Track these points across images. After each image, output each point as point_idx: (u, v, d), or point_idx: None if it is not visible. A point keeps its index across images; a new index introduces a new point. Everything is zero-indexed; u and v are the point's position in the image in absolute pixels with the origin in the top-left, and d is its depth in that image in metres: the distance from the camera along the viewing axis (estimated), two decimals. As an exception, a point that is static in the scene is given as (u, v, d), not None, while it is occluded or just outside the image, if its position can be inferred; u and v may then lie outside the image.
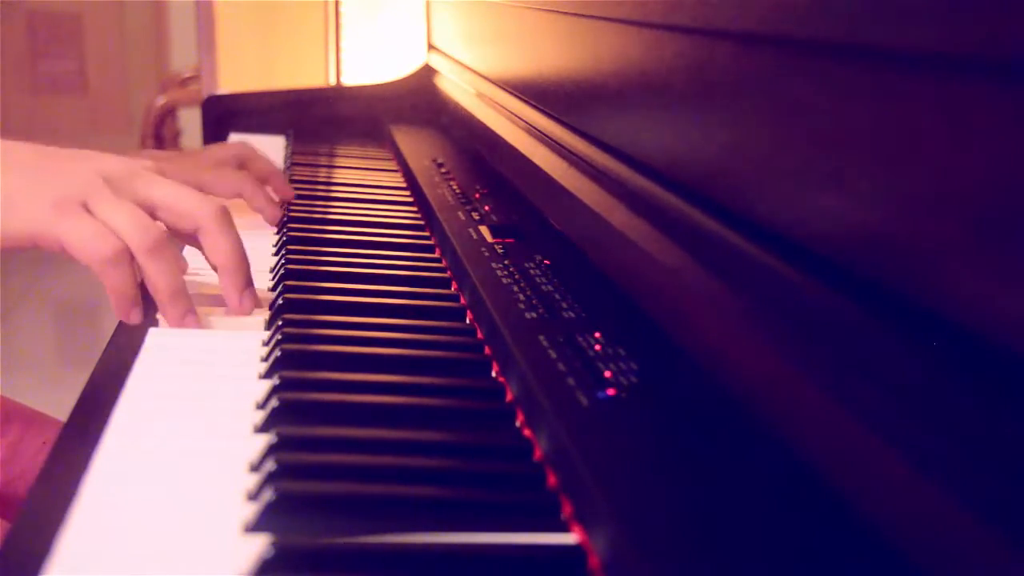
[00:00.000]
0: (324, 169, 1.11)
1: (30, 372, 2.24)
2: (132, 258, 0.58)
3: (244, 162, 0.89)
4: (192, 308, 0.60)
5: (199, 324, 0.60)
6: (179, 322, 0.59)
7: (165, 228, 0.60)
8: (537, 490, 0.43)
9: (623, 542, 0.36)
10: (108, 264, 0.57)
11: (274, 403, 0.48)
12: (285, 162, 1.11)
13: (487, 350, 0.58)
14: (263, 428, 0.48)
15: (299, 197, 0.93)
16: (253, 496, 0.41)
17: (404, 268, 0.74)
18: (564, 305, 0.59)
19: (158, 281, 0.58)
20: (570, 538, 0.40)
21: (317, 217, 0.88)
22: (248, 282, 0.63)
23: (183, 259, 0.66)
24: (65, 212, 0.57)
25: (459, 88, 1.19)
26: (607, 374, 0.49)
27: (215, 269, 0.62)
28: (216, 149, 0.91)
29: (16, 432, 0.77)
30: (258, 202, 0.85)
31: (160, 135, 2.90)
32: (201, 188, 0.84)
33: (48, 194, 0.57)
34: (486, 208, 0.83)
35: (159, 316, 0.60)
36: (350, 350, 0.57)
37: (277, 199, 0.88)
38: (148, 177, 0.61)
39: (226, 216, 0.62)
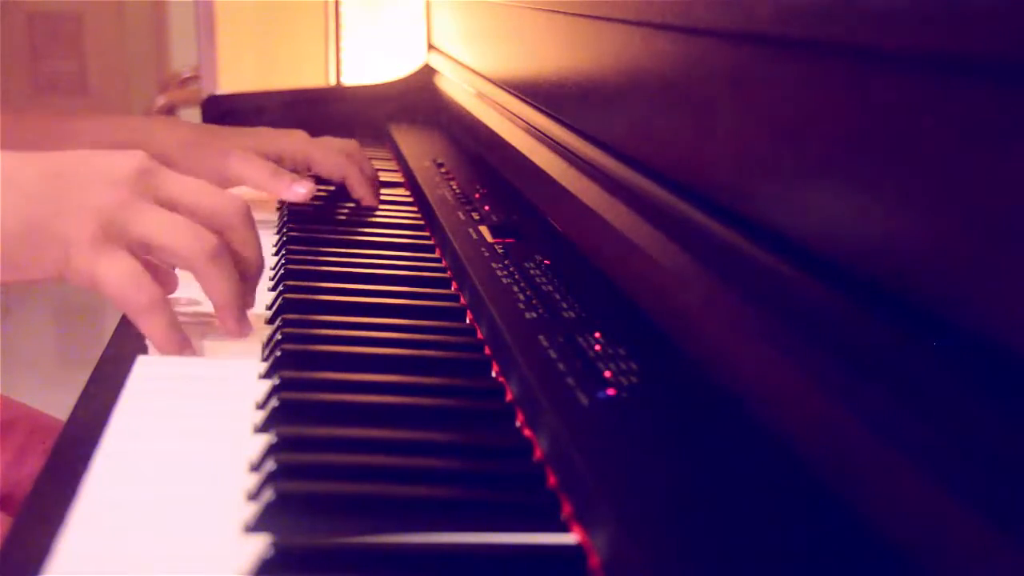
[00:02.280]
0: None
1: (30, 372, 2.24)
2: (167, 302, 0.55)
3: (350, 156, 0.93)
4: (245, 312, 0.58)
5: (252, 330, 0.59)
6: (238, 330, 0.58)
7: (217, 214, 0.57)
8: (537, 490, 0.43)
9: (623, 542, 0.36)
10: (142, 312, 0.54)
11: (274, 403, 0.48)
12: (285, 162, 1.10)
13: (487, 350, 0.58)
14: (263, 428, 0.48)
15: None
16: (253, 496, 0.41)
17: (404, 268, 0.74)
18: (564, 305, 0.59)
19: (219, 288, 0.56)
20: (570, 538, 0.40)
21: (317, 217, 0.88)
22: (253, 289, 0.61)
23: (176, 277, 0.63)
24: (102, 248, 0.53)
25: (459, 88, 1.19)
26: (607, 374, 0.49)
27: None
28: (329, 139, 0.95)
29: (21, 434, 0.77)
30: (361, 191, 0.90)
31: (160, 135, 2.88)
32: (309, 163, 0.90)
33: (75, 224, 0.53)
34: (486, 208, 0.83)
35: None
36: (350, 350, 0.57)
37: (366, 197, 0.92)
38: (164, 175, 0.57)
39: (250, 215, 0.60)
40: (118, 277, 0.53)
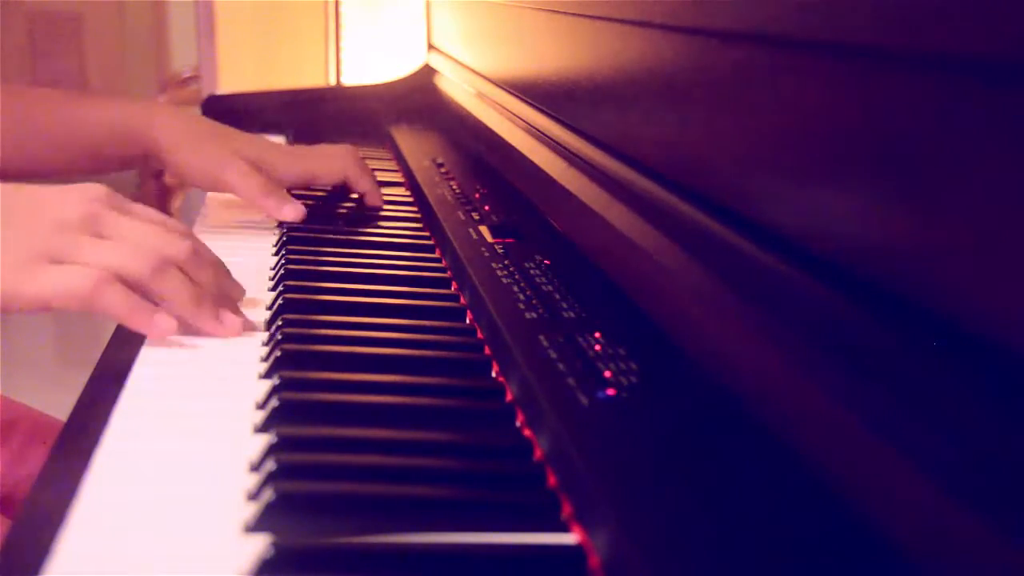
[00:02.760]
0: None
1: (30, 372, 2.24)
2: (113, 278, 0.54)
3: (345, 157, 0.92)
4: (217, 311, 0.58)
5: (237, 331, 0.58)
6: (216, 330, 0.58)
7: (157, 249, 0.57)
8: (537, 490, 0.43)
9: (623, 542, 0.36)
10: (93, 298, 0.54)
11: (274, 403, 0.48)
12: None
13: (487, 350, 0.58)
14: (263, 428, 0.48)
15: (299, 196, 0.93)
16: (253, 496, 0.41)
17: (404, 268, 0.74)
18: (564, 305, 0.59)
19: (175, 298, 0.56)
20: (570, 538, 0.40)
21: (317, 216, 0.88)
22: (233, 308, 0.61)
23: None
24: (36, 269, 0.54)
25: (459, 88, 1.19)
26: (607, 374, 0.49)
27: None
28: (324, 147, 0.95)
29: (21, 434, 0.77)
30: (364, 185, 0.91)
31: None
32: (311, 178, 0.90)
33: (16, 260, 0.54)
34: (486, 208, 0.83)
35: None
36: (350, 350, 0.57)
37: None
38: (111, 218, 0.57)
39: (197, 252, 0.59)
40: (53, 281, 0.54)
